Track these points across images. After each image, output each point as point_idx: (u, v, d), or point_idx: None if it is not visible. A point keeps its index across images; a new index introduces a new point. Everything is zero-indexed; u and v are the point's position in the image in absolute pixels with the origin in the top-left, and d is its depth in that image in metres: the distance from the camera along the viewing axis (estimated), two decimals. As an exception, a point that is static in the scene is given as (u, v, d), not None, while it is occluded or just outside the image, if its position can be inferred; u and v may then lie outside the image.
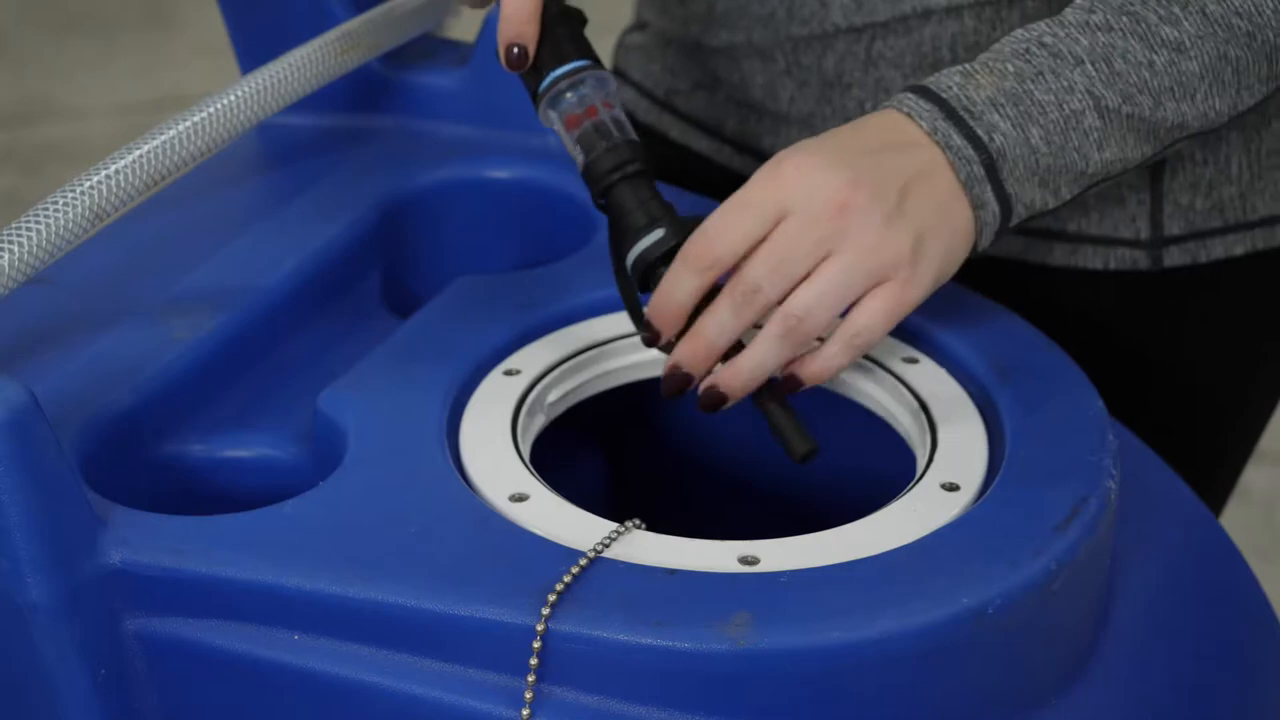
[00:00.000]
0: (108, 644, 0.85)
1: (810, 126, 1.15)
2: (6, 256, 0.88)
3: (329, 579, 0.84)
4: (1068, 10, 0.96)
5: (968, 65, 0.95)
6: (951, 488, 0.90)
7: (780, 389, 0.93)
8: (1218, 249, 1.12)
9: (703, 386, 0.93)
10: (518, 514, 0.88)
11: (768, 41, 1.13)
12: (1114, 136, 0.95)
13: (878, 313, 0.91)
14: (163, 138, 0.94)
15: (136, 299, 1.02)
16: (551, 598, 0.81)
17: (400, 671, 0.83)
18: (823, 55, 1.12)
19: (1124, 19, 0.94)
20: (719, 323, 0.92)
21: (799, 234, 0.90)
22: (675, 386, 0.93)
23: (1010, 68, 0.94)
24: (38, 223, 0.89)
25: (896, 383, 0.98)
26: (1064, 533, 0.86)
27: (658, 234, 0.94)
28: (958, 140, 0.93)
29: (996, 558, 0.85)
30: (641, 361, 1.01)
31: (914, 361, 0.99)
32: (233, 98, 0.97)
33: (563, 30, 0.96)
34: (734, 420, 0.98)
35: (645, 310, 0.94)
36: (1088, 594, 0.90)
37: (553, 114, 0.96)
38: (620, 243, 0.95)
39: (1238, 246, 1.12)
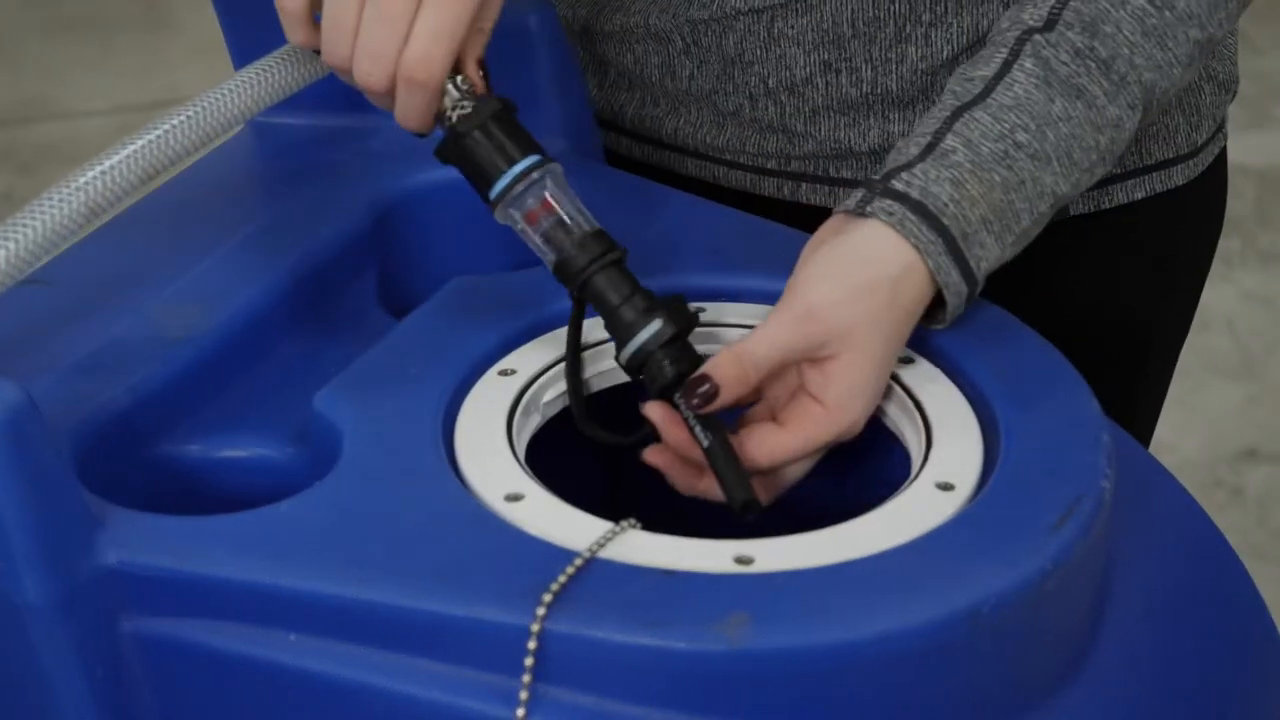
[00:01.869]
0: (104, 644, 0.85)
1: (712, 104, 1.16)
2: (2, 253, 0.88)
3: (325, 579, 0.84)
4: (1025, 80, 0.97)
5: (949, 161, 0.95)
6: (946, 487, 0.90)
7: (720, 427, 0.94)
8: (1119, 195, 1.17)
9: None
10: (513, 514, 0.88)
11: (665, 25, 1.15)
12: (1054, 211, 0.99)
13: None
14: (156, 132, 0.94)
15: (132, 299, 1.02)
16: (547, 598, 0.81)
17: (395, 671, 0.83)
18: (723, 36, 1.13)
19: (1079, 105, 0.97)
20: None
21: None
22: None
23: (997, 178, 0.95)
24: (33, 219, 0.89)
25: (892, 382, 0.98)
26: (1059, 533, 0.86)
27: (655, 325, 0.94)
28: (955, 278, 0.95)
29: (991, 558, 0.85)
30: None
31: (909, 361, 0.99)
32: (225, 91, 0.97)
33: (502, 128, 0.96)
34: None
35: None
36: (1083, 594, 0.90)
37: (513, 212, 0.96)
38: (614, 336, 0.95)
39: (1138, 191, 1.17)
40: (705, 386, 0.93)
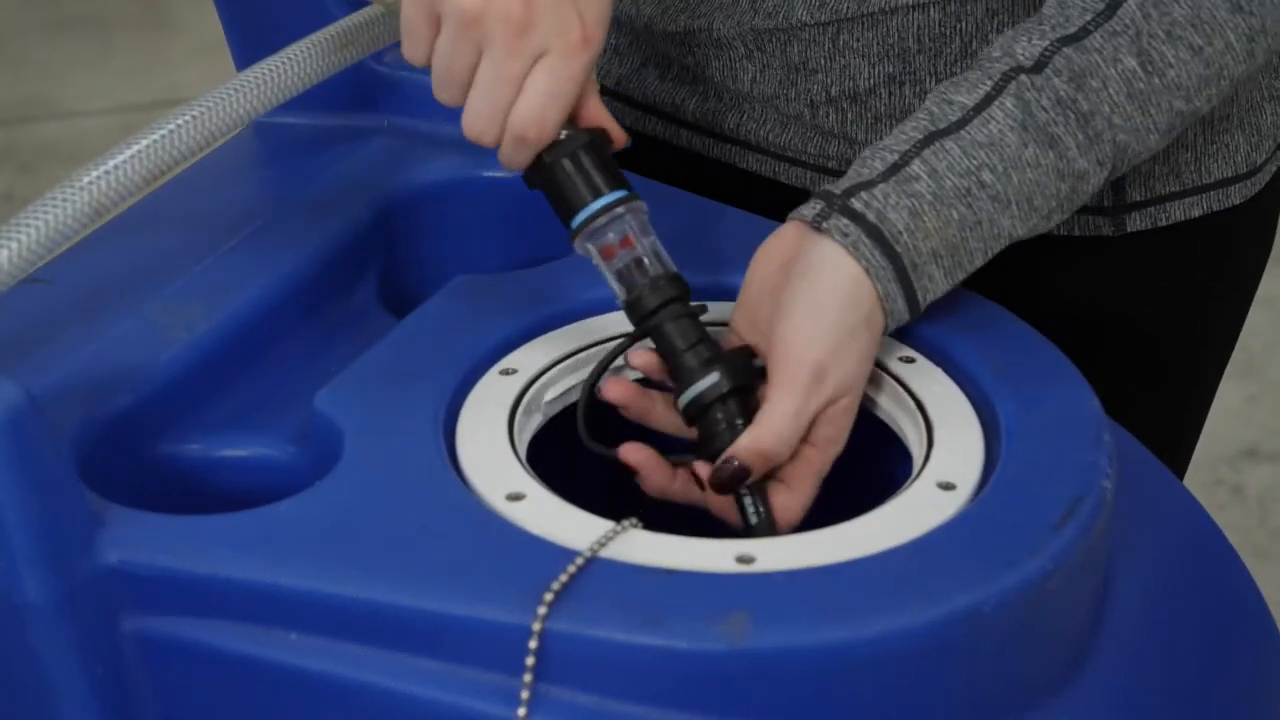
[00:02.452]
0: (105, 643, 0.85)
1: (775, 107, 1.15)
2: (5, 252, 0.88)
3: (326, 578, 0.84)
4: (1002, 119, 0.96)
5: (911, 189, 0.95)
6: (948, 487, 0.90)
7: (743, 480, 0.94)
8: (1176, 212, 1.15)
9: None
10: (514, 513, 0.88)
11: (728, 31, 1.14)
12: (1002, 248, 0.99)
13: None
14: (160, 132, 0.93)
15: (134, 299, 1.02)
16: (548, 597, 0.81)
17: (397, 671, 0.83)
18: (787, 45, 1.13)
19: (1050, 154, 0.96)
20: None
21: None
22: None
23: (955, 214, 0.95)
24: (37, 218, 0.89)
25: (893, 382, 0.98)
26: (1060, 532, 0.86)
27: (712, 378, 0.94)
28: (900, 305, 0.95)
29: (992, 557, 0.85)
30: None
31: (910, 361, 0.99)
32: (230, 91, 0.97)
33: (592, 158, 0.95)
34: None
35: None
36: (1083, 594, 0.90)
37: (590, 246, 0.96)
38: (677, 384, 0.95)
39: (1195, 209, 1.15)
40: (733, 469, 0.93)
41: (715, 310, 1.02)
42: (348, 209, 1.11)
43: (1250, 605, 1.00)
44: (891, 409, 0.98)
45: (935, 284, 0.96)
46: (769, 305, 0.96)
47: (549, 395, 0.98)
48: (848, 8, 1.09)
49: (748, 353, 0.96)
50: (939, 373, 0.98)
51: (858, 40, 1.11)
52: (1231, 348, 1.28)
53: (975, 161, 0.96)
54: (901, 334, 0.99)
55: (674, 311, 0.95)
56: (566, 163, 0.95)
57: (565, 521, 0.87)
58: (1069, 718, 0.88)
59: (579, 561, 0.83)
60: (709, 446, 0.95)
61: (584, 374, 1.00)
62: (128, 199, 0.93)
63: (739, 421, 0.94)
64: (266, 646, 0.85)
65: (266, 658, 0.85)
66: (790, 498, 0.94)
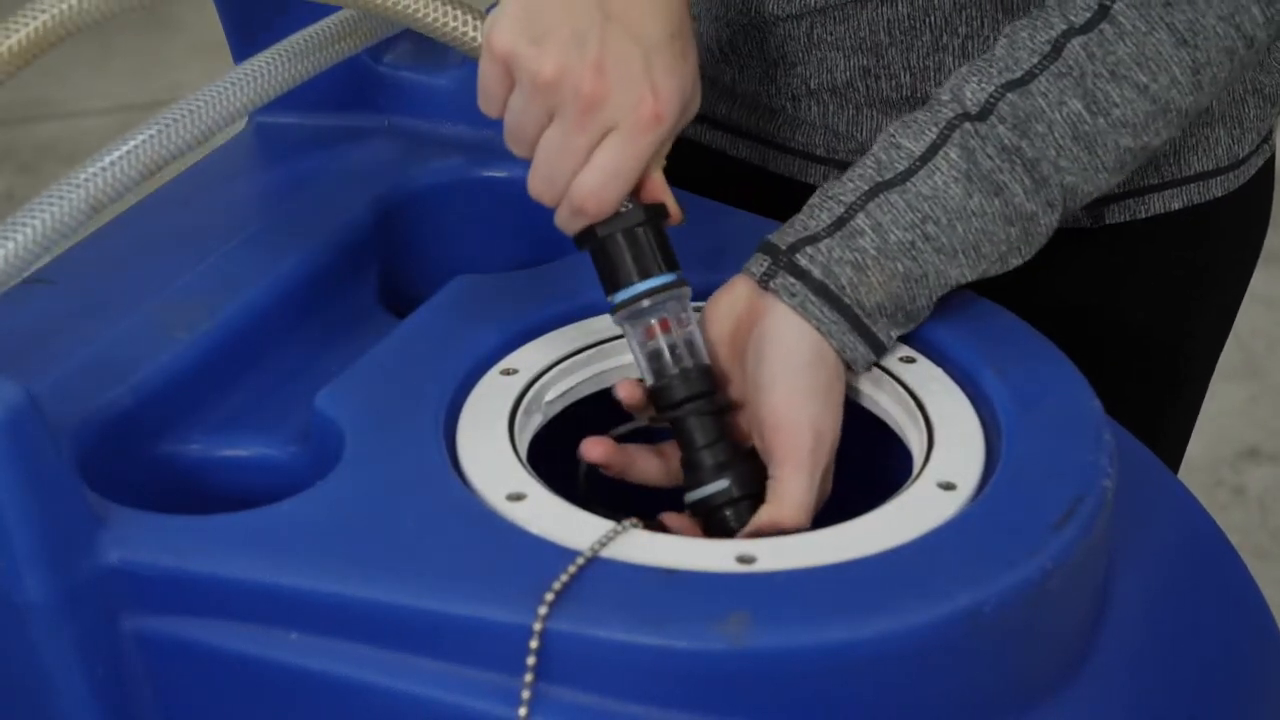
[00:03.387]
0: (106, 643, 0.85)
1: (756, 104, 1.16)
2: (4, 250, 0.88)
3: (326, 578, 0.84)
4: (947, 170, 0.96)
5: (855, 244, 0.95)
6: (948, 487, 0.90)
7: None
8: (1156, 205, 1.16)
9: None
10: (515, 513, 0.88)
11: (704, 29, 1.15)
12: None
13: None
14: (156, 127, 0.93)
15: (134, 298, 1.02)
16: (549, 597, 0.81)
17: (397, 671, 0.83)
18: (763, 41, 1.14)
19: (996, 202, 0.96)
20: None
21: None
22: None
23: (900, 268, 0.95)
24: (35, 216, 0.89)
25: (893, 382, 0.98)
26: (1060, 532, 0.86)
27: (722, 484, 0.94)
28: (862, 350, 0.96)
29: (993, 557, 0.85)
30: (639, 361, 1.01)
31: (911, 361, 0.99)
32: (225, 85, 0.96)
33: (647, 236, 0.95)
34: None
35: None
36: (1084, 593, 0.90)
37: (628, 325, 0.96)
38: (686, 478, 0.96)
39: (1174, 202, 1.16)
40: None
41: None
42: (348, 209, 1.11)
43: (1251, 606, 1.00)
44: (892, 409, 0.98)
45: (887, 332, 0.97)
46: (738, 374, 0.97)
47: (550, 395, 0.98)
48: (815, 1, 1.10)
49: (760, 464, 0.96)
50: (939, 372, 0.98)
51: (830, 33, 1.12)
52: (1221, 343, 1.28)
53: (919, 215, 0.96)
54: (902, 334, 0.99)
55: (699, 408, 0.95)
56: (620, 238, 0.95)
57: (566, 521, 0.87)
58: (1069, 718, 0.88)
59: (580, 561, 0.83)
60: (713, 534, 0.95)
61: (583, 374, 1.00)
62: (125, 194, 0.93)
63: (749, 517, 0.94)
64: (267, 646, 0.85)
65: (267, 658, 0.85)
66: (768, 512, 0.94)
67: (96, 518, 0.86)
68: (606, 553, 0.85)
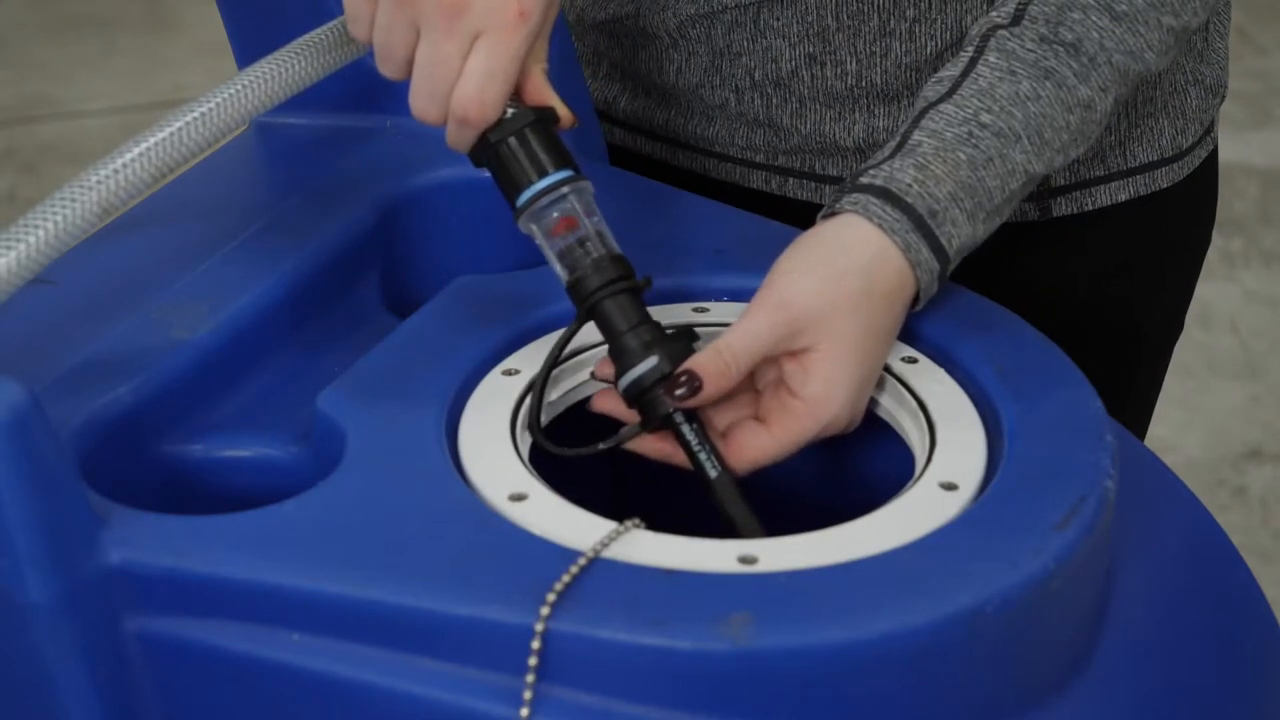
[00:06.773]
0: (108, 643, 0.85)
1: (700, 97, 1.17)
2: (13, 254, 0.88)
3: (328, 579, 0.84)
4: (989, 73, 0.98)
5: (915, 152, 0.96)
6: (950, 487, 0.90)
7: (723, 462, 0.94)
8: (1103, 196, 1.18)
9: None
10: (517, 514, 0.88)
11: (653, 18, 1.16)
12: (1029, 189, 1.00)
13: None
14: (168, 130, 0.93)
15: (137, 299, 1.02)
16: (551, 597, 0.82)
17: (399, 671, 0.83)
18: (711, 29, 1.15)
19: (1048, 85, 0.98)
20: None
21: None
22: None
23: (962, 156, 0.96)
24: (46, 219, 0.89)
25: (895, 382, 0.98)
26: (1062, 532, 0.86)
27: (651, 361, 0.93)
28: (926, 254, 0.95)
29: (995, 557, 0.85)
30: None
31: (913, 361, 0.99)
32: (238, 88, 0.96)
33: (537, 137, 0.95)
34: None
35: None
36: (1086, 594, 0.90)
37: (533, 226, 0.96)
38: (616, 366, 0.95)
39: (1121, 193, 1.18)
40: (687, 380, 0.92)
41: (716, 311, 1.02)
42: (350, 209, 1.11)
43: (1253, 606, 1.00)
44: (894, 409, 0.98)
45: (959, 228, 0.96)
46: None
47: (551, 395, 0.98)
48: None
49: (690, 335, 0.96)
50: (941, 373, 0.98)
51: (778, 20, 1.13)
52: (1178, 328, 1.29)
53: (970, 110, 0.97)
54: (903, 334, 0.99)
55: (616, 290, 0.94)
56: (511, 141, 0.95)
57: (568, 522, 0.87)
58: (1071, 718, 0.88)
59: (582, 562, 0.83)
60: (651, 421, 0.95)
61: (584, 374, 1.00)
62: (136, 198, 0.93)
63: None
64: (269, 646, 0.85)
65: (269, 658, 0.85)
66: (762, 439, 0.94)
67: (98, 518, 0.86)
68: (608, 553, 0.85)
